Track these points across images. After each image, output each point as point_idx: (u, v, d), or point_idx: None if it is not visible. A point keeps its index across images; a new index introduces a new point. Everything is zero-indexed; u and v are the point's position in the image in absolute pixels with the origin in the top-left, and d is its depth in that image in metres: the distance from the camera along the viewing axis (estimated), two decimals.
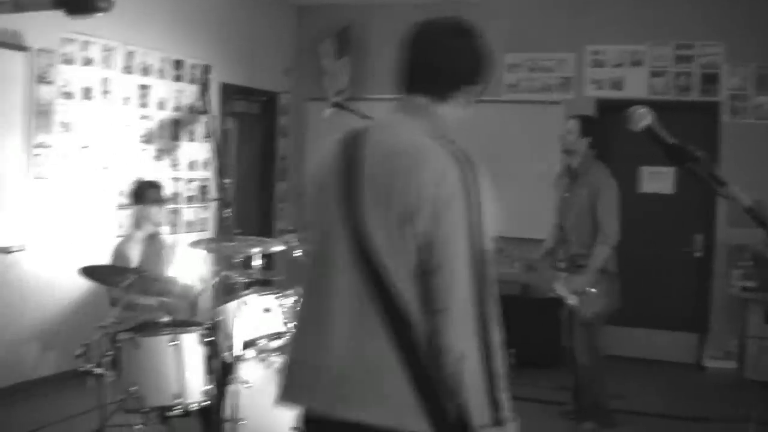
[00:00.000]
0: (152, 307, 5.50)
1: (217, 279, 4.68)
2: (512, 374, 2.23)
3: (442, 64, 2.31)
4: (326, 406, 2.19)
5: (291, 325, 5.20)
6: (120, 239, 5.98)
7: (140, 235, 5.75)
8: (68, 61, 6.71)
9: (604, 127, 6.48)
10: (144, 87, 7.54)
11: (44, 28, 6.42)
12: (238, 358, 4.77)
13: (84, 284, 6.50)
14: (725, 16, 8.23)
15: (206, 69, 4.92)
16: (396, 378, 2.12)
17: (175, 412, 4.82)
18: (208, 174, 8.45)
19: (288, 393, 2.33)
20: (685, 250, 8.46)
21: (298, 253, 5.44)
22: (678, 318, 8.48)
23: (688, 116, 7.89)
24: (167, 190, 6.54)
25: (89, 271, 4.86)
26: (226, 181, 8.75)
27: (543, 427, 6.10)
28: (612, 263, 5.99)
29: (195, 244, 5.57)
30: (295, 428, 4.45)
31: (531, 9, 8.47)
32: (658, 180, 8.51)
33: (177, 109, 7.97)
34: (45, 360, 6.71)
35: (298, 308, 2.40)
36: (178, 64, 7.96)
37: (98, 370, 4.55)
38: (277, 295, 5.20)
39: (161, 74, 7.76)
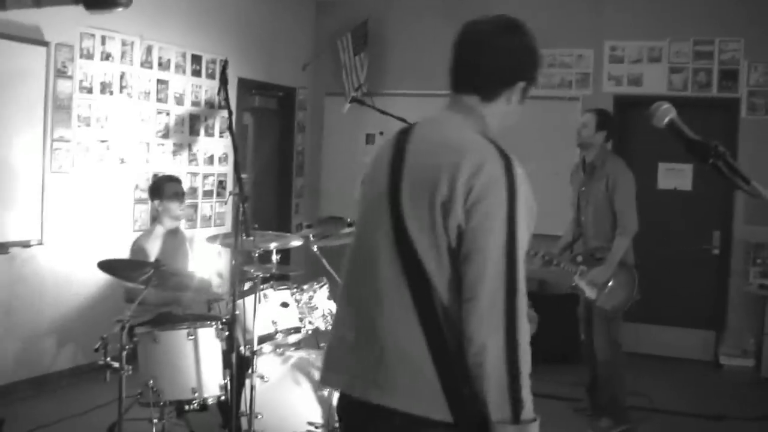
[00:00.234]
0: (170, 301, 5.52)
1: (234, 274, 4.67)
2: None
3: (487, 63, 2.33)
4: (360, 391, 2.25)
5: (332, 307, 5.25)
6: (139, 234, 6.00)
7: (160, 230, 5.76)
8: (87, 55, 6.74)
9: (618, 121, 6.45)
10: (162, 82, 7.56)
11: (63, 22, 6.46)
12: (255, 353, 4.78)
13: (101, 278, 6.54)
14: (744, 13, 8.19)
15: (225, 63, 4.91)
16: (426, 367, 2.15)
17: (192, 406, 4.84)
18: (225, 169, 8.48)
19: (326, 376, 2.42)
20: (703, 247, 8.42)
21: (315, 247, 5.45)
22: (695, 315, 8.44)
23: (707, 113, 7.86)
24: (185, 185, 6.54)
25: (107, 266, 4.87)
26: (244, 176, 8.82)
27: (557, 424, 6.09)
28: (630, 256, 5.98)
29: (213, 238, 5.58)
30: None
31: (550, 4, 8.44)
32: (675, 176, 8.48)
33: (195, 103, 7.99)
34: (62, 354, 6.75)
35: (340, 291, 2.45)
36: (196, 58, 7.97)
37: (116, 364, 4.55)
38: (295, 289, 5.21)
39: (179, 69, 7.77)
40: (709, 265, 8.42)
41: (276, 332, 5.00)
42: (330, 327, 5.19)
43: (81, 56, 6.67)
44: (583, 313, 6.22)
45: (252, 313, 4.79)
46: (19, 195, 6.22)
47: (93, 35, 6.77)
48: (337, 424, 4.62)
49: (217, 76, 8.20)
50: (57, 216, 6.54)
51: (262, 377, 4.80)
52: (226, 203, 8.41)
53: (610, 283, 5.87)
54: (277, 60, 9.21)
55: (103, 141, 6.95)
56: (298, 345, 5.30)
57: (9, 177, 6.12)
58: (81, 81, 6.69)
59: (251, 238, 4.64)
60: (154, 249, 5.58)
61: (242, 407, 4.78)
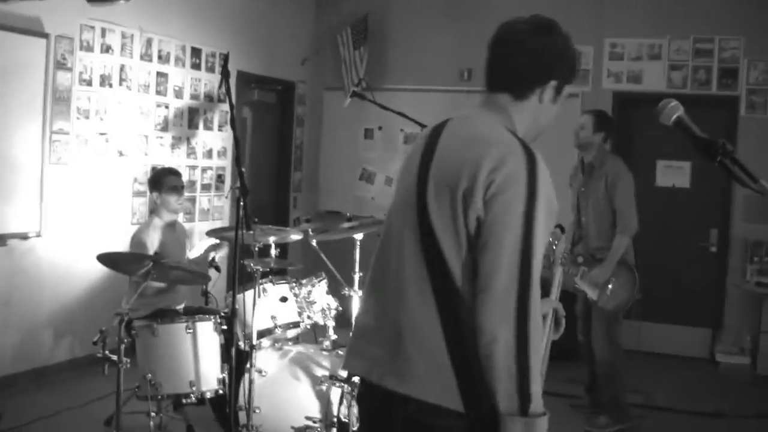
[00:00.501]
0: (169, 294, 5.51)
1: (233, 267, 4.67)
2: None
3: (518, 62, 2.37)
4: (378, 377, 2.31)
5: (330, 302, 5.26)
6: (138, 227, 5.99)
7: (158, 222, 5.75)
8: (87, 47, 6.72)
9: (618, 118, 6.45)
10: (161, 75, 7.55)
11: (63, 14, 6.45)
12: (254, 347, 4.78)
13: (100, 271, 6.52)
14: (745, 11, 8.20)
15: (227, 57, 4.90)
16: (441, 356, 2.18)
17: (190, 400, 4.84)
18: (224, 163, 8.47)
19: (348, 361, 2.48)
20: (701, 244, 8.44)
21: (314, 242, 5.45)
22: (692, 313, 8.46)
23: (707, 110, 7.86)
24: (184, 178, 6.52)
25: (107, 259, 4.87)
26: (243, 169, 8.80)
27: (555, 420, 6.06)
28: (630, 255, 5.99)
29: (212, 232, 5.58)
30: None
31: (550, 1, 8.43)
32: (674, 174, 8.49)
33: (194, 97, 7.98)
34: (61, 346, 6.75)
35: (367, 280, 2.50)
36: (195, 52, 7.96)
37: (114, 357, 4.56)
38: (294, 284, 5.21)
39: (179, 62, 7.76)
40: (706, 262, 8.43)
41: (275, 327, 5.00)
42: (328, 322, 5.21)
43: (81, 48, 6.66)
44: (582, 312, 6.22)
45: (251, 308, 4.78)
46: (18, 187, 6.21)
47: (93, 27, 6.76)
48: (335, 419, 4.63)
49: (217, 69, 8.20)
50: (56, 208, 6.53)
51: (260, 371, 4.81)
52: (227, 197, 8.41)
53: (610, 284, 5.87)
54: (276, 54, 9.19)
55: (102, 133, 6.93)
56: (296, 339, 5.30)
57: (8, 169, 6.11)
58: (81, 73, 6.68)
59: (252, 232, 4.63)
60: (153, 242, 5.58)
61: (240, 401, 4.78)
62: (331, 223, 6.16)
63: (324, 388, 4.69)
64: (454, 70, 9.16)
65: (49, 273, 6.57)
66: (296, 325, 5.12)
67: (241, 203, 4.43)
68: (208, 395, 4.86)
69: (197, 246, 6.24)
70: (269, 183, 9.54)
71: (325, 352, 4.95)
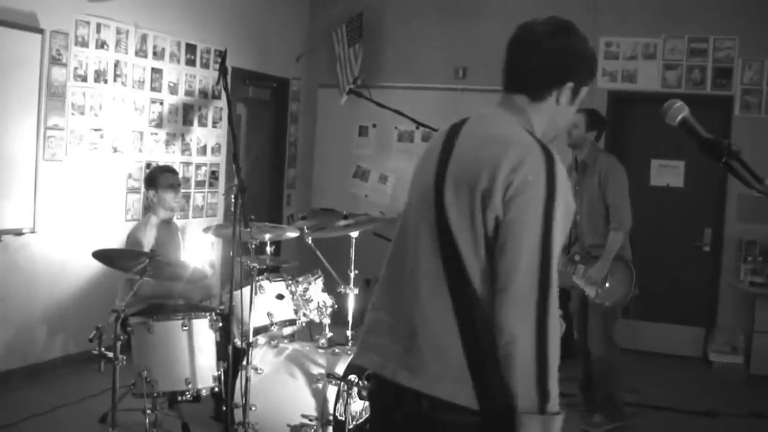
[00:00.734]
0: (163, 294, 5.50)
1: (229, 264, 4.66)
2: None
3: (535, 63, 2.37)
4: (391, 372, 2.33)
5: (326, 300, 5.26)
6: (134, 224, 5.97)
7: (153, 220, 5.73)
8: (82, 43, 6.70)
9: (612, 117, 6.45)
10: (156, 71, 7.52)
11: (59, 9, 6.42)
12: (250, 344, 4.77)
13: (94, 267, 6.52)
14: (739, 11, 8.22)
15: (225, 53, 4.88)
16: (456, 354, 2.20)
17: (185, 397, 4.83)
18: (218, 159, 8.46)
19: (360, 356, 2.51)
20: (695, 244, 8.45)
21: (310, 239, 5.44)
22: (686, 312, 8.47)
23: (701, 110, 7.70)
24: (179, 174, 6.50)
25: (102, 255, 4.85)
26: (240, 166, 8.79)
27: None
28: (627, 251, 5.99)
29: (207, 229, 5.57)
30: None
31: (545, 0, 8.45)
32: (668, 173, 8.50)
33: (189, 93, 7.96)
34: (55, 342, 6.72)
35: (381, 275, 2.52)
36: (190, 48, 7.94)
37: (110, 354, 4.54)
38: (290, 281, 5.20)
39: (173, 58, 7.74)
40: (700, 262, 8.45)
41: (271, 324, 5.00)
42: (324, 319, 5.20)
43: (76, 44, 6.63)
44: (578, 310, 6.22)
45: (247, 305, 4.77)
46: (12, 183, 6.17)
47: (88, 23, 6.73)
48: (331, 417, 4.63)
49: (212, 66, 8.20)
50: (50, 204, 6.50)
51: (256, 369, 4.80)
52: (224, 194, 8.39)
53: (607, 281, 5.88)
54: (271, 50, 9.17)
55: (96, 129, 6.91)
56: (292, 337, 5.30)
57: (2, 165, 6.08)
58: (75, 69, 6.65)
59: (249, 229, 4.62)
60: (149, 239, 5.56)
61: (236, 399, 4.77)
62: (327, 220, 6.15)
63: (320, 385, 4.68)
64: (449, 68, 9.16)
65: (43, 269, 6.54)
66: (292, 322, 5.12)
67: (239, 200, 4.41)
68: (204, 393, 4.84)
69: (191, 245, 6.22)
70: (263, 180, 9.51)
71: (321, 350, 4.94)
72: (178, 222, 6.26)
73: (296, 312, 5.12)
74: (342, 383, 4.59)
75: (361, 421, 4.71)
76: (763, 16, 8.14)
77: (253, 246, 4.88)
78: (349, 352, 4.85)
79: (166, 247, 5.61)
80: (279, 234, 5.31)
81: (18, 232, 6.25)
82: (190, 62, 7.96)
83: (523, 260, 2.13)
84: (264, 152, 9.55)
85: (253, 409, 4.71)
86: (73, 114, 6.66)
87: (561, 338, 2.94)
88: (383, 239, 7.55)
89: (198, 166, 8.19)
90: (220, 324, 4.93)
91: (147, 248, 5.41)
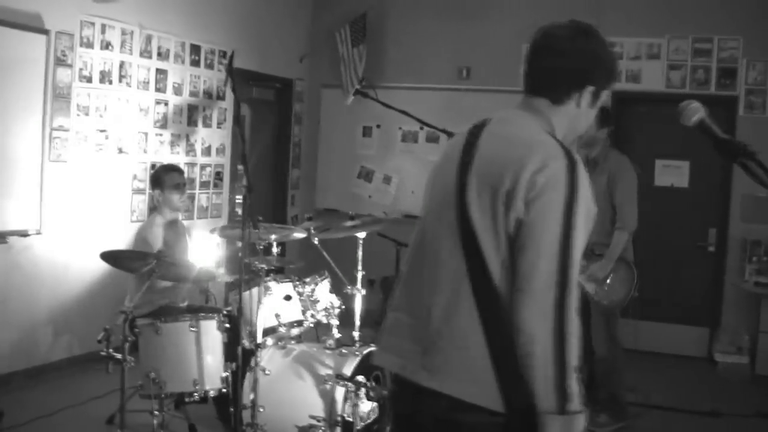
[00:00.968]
0: (172, 291, 5.49)
1: (235, 265, 4.67)
2: None
3: (555, 67, 2.39)
4: (411, 373, 2.33)
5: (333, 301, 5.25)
6: (141, 225, 5.97)
7: (159, 220, 5.73)
8: (87, 44, 6.69)
9: (616, 117, 6.42)
10: (161, 71, 7.52)
11: (64, 10, 6.42)
12: (258, 345, 4.76)
13: (99, 268, 6.52)
14: (743, 11, 8.21)
15: (232, 54, 4.88)
16: (481, 355, 2.21)
17: (193, 398, 4.82)
18: (222, 160, 8.46)
19: (380, 356, 2.53)
20: (699, 244, 8.45)
21: (316, 240, 5.44)
22: (690, 312, 8.47)
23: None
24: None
25: (110, 256, 4.85)
26: (240, 167, 8.78)
27: None
28: (630, 252, 5.99)
29: (215, 230, 5.56)
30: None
31: (548, 0, 8.45)
32: (672, 173, 8.50)
33: (193, 94, 7.96)
34: (59, 344, 6.72)
35: (401, 275, 2.54)
36: (195, 48, 7.94)
37: (118, 355, 4.53)
38: (297, 282, 5.20)
39: (178, 59, 7.74)
40: (704, 262, 8.44)
41: (279, 325, 4.99)
42: (332, 320, 5.20)
43: (81, 45, 6.63)
44: (579, 309, 6.20)
45: (255, 306, 4.77)
46: (17, 184, 6.17)
47: (93, 24, 6.73)
48: (339, 418, 4.62)
49: (216, 66, 8.20)
50: (55, 205, 6.50)
51: (263, 370, 4.79)
52: (231, 195, 8.40)
53: (608, 279, 5.88)
54: (274, 51, 9.17)
55: (101, 130, 6.91)
56: (299, 338, 5.29)
57: (8, 166, 6.08)
58: (80, 70, 6.65)
59: (257, 230, 4.62)
60: (156, 240, 5.56)
61: (244, 399, 4.76)
62: (333, 221, 6.15)
63: (328, 386, 4.68)
64: (453, 68, 9.16)
65: (48, 270, 6.54)
66: (300, 323, 5.11)
67: (247, 201, 4.41)
68: (212, 394, 4.83)
69: (198, 245, 6.22)
70: (267, 180, 9.51)
71: (328, 351, 4.94)
72: (184, 222, 6.26)
73: (304, 313, 5.12)
74: (350, 384, 4.59)
75: (369, 421, 4.71)
76: (766, 15, 8.13)
77: (262, 247, 4.87)
78: (356, 352, 4.85)
79: (173, 248, 5.61)
80: (286, 235, 5.31)
81: (23, 233, 6.25)
82: (195, 63, 7.96)
83: (542, 261, 2.14)
84: (268, 153, 9.55)
85: (261, 410, 4.70)
86: (78, 115, 6.66)
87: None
88: (388, 240, 7.60)
89: (203, 167, 8.19)
90: (227, 325, 4.92)
91: (156, 248, 5.41)
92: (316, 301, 5.19)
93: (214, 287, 6.29)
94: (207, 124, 8.21)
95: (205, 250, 6.31)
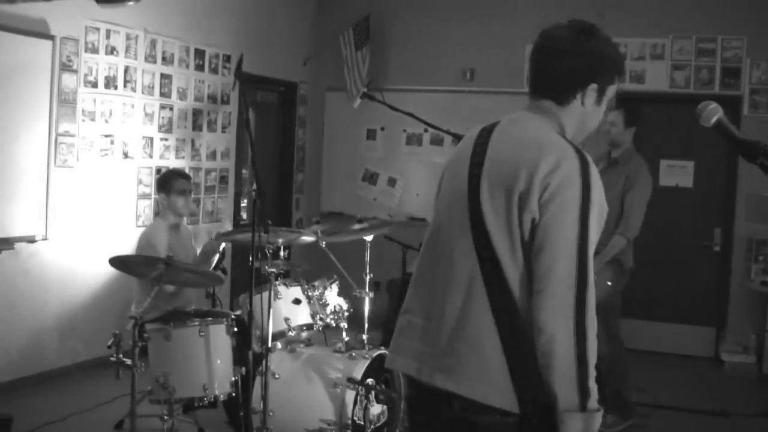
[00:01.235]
0: (179, 296, 5.49)
1: (242, 268, 4.66)
2: None
3: (556, 68, 2.40)
4: (428, 376, 2.34)
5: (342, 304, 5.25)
6: (146, 229, 5.96)
7: (164, 224, 5.72)
8: (92, 49, 6.70)
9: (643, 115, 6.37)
10: (165, 76, 7.52)
11: (69, 16, 6.43)
12: (268, 350, 4.75)
13: (106, 274, 6.53)
14: (747, 11, 8.22)
15: (241, 58, 4.88)
16: (496, 355, 2.22)
17: (202, 403, 4.81)
18: (227, 164, 8.46)
19: (394, 360, 2.51)
20: (704, 244, 8.45)
21: (323, 244, 5.43)
22: (696, 312, 8.47)
23: None
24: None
25: (119, 262, 4.84)
26: (244, 171, 8.79)
27: None
28: (627, 257, 5.95)
29: (222, 235, 5.56)
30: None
31: (552, 1, 8.44)
32: (677, 173, 8.49)
33: (198, 98, 7.96)
34: (66, 349, 6.71)
35: (413, 277, 2.54)
36: (199, 53, 7.94)
37: (128, 361, 4.52)
38: (306, 286, 5.19)
39: (182, 63, 7.74)
40: (710, 262, 8.45)
41: (289, 329, 4.99)
42: (341, 324, 5.20)
43: (86, 50, 6.64)
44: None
45: (266, 311, 4.76)
46: (24, 190, 6.18)
47: (98, 29, 6.74)
48: (349, 421, 4.62)
49: (220, 70, 8.21)
50: (62, 211, 6.51)
51: (273, 374, 4.78)
52: (245, 200, 8.41)
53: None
54: (278, 55, 9.17)
55: (107, 135, 6.91)
56: (308, 342, 5.29)
57: (14, 171, 6.09)
58: (86, 75, 6.66)
59: (267, 234, 4.61)
60: (162, 244, 5.55)
61: (254, 404, 4.75)
62: (339, 224, 6.15)
63: (338, 390, 4.67)
64: (456, 70, 9.17)
65: (55, 276, 6.54)
66: (309, 327, 5.10)
67: (258, 205, 4.41)
68: (222, 398, 4.83)
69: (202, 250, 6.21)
70: (272, 184, 9.51)
71: (338, 354, 4.93)
72: (188, 227, 6.26)
73: (313, 317, 5.11)
74: (360, 387, 4.58)
75: (379, 424, 4.71)
76: None
77: (271, 251, 4.86)
78: (366, 355, 4.85)
79: (177, 252, 5.60)
80: (295, 239, 5.31)
81: (30, 240, 6.26)
82: (199, 67, 7.96)
83: (560, 261, 2.16)
84: (272, 156, 9.55)
85: (271, 414, 4.69)
86: (83, 120, 6.66)
87: None
88: (393, 242, 7.59)
89: (207, 171, 8.19)
90: (235, 329, 4.91)
91: (162, 253, 5.40)
92: (325, 305, 5.19)
93: (219, 291, 6.30)
94: (212, 129, 8.21)
95: (211, 254, 6.29)
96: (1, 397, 5.94)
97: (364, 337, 5.13)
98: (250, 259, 4.55)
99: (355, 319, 5.32)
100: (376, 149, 9.56)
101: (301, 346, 5.14)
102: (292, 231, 5.36)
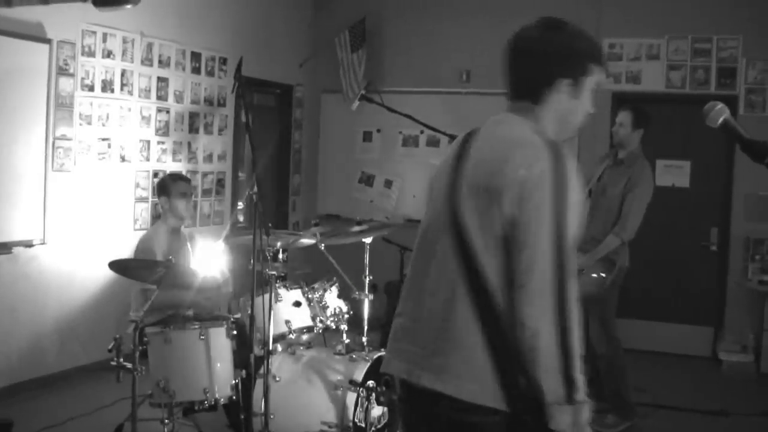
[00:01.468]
0: (176, 303, 5.47)
1: (241, 273, 4.66)
2: None
3: (523, 70, 2.43)
4: (417, 377, 2.35)
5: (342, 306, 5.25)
6: (144, 233, 5.95)
7: (163, 228, 5.71)
8: (88, 53, 6.69)
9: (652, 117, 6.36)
10: (162, 79, 7.52)
11: (65, 19, 6.42)
12: (268, 352, 4.75)
13: (104, 278, 6.52)
14: (743, 10, 8.23)
15: (240, 61, 4.88)
16: (479, 354, 2.24)
17: (202, 406, 4.80)
18: (224, 167, 8.45)
19: (388, 363, 2.54)
20: (702, 243, 8.46)
21: (323, 246, 5.43)
22: (694, 311, 8.48)
23: None
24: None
25: (118, 266, 4.83)
26: (241, 174, 8.78)
27: None
28: (623, 257, 5.95)
29: (227, 238, 5.55)
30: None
31: (548, 1, 8.45)
32: (673, 173, 8.50)
33: (194, 101, 7.96)
34: (66, 353, 6.70)
35: (405, 281, 2.57)
36: (195, 56, 7.94)
37: (129, 365, 4.52)
38: (306, 289, 5.19)
39: (179, 66, 7.73)
40: (707, 261, 8.46)
41: (289, 332, 4.99)
42: (341, 326, 5.20)
43: (83, 54, 6.63)
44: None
45: (266, 313, 4.76)
46: (21, 194, 6.17)
47: (94, 32, 6.73)
48: (350, 424, 4.62)
49: (216, 73, 8.21)
50: (59, 215, 6.50)
51: (274, 377, 4.78)
52: (242, 203, 8.38)
53: (582, 270, 5.78)
54: (274, 57, 9.17)
55: (104, 139, 6.90)
56: (309, 344, 5.28)
57: (12, 176, 6.08)
58: (82, 79, 6.65)
59: (267, 237, 4.61)
60: (160, 248, 5.54)
61: (255, 407, 4.75)
62: (338, 226, 6.15)
63: (339, 392, 4.67)
64: (453, 72, 9.17)
65: (54, 280, 6.53)
66: (310, 329, 5.10)
67: (258, 208, 4.41)
68: (222, 401, 4.82)
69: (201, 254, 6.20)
70: (268, 186, 9.50)
71: (338, 357, 4.94)
72: (185, 230, 6.25)
73: (313, 319, 5.11)
74: (361, 389, 4.58)
75: (380, 426, 4.71)
76: (765, 15, 8.14)
77: (271, 254, 4.86)
78: (366, 357, 4.85)
79: (176, 256, 5.58)
80: (294, 241, 5.31)
81: (28, 244, 6.25)
82: (195, 70, 7.96)
83: (539, 257, 2.17)
84: (269, 159, 9.53)
85: (272, 417, 4.69)
86: (80, 124, 6.66)
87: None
88: (391, 244, 7.59)
89: (204, 174, 8.18)
90: (235, 332, 4.90)
91: (160, 257, 5.39)
92: (325, 307, 5.19)
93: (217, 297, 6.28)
94: (208, 132, 8.20)
95: (209, 258, 6.28)
96: (1, 401, 5.95)
97: (364, 339, 5.13)
98: (251, 261, 4.55)
99: (354, 321, 5.32)
100: (373, 151, 9.56)
101: (302, 348, 5.14)
102: (291, 233, 5.35)
